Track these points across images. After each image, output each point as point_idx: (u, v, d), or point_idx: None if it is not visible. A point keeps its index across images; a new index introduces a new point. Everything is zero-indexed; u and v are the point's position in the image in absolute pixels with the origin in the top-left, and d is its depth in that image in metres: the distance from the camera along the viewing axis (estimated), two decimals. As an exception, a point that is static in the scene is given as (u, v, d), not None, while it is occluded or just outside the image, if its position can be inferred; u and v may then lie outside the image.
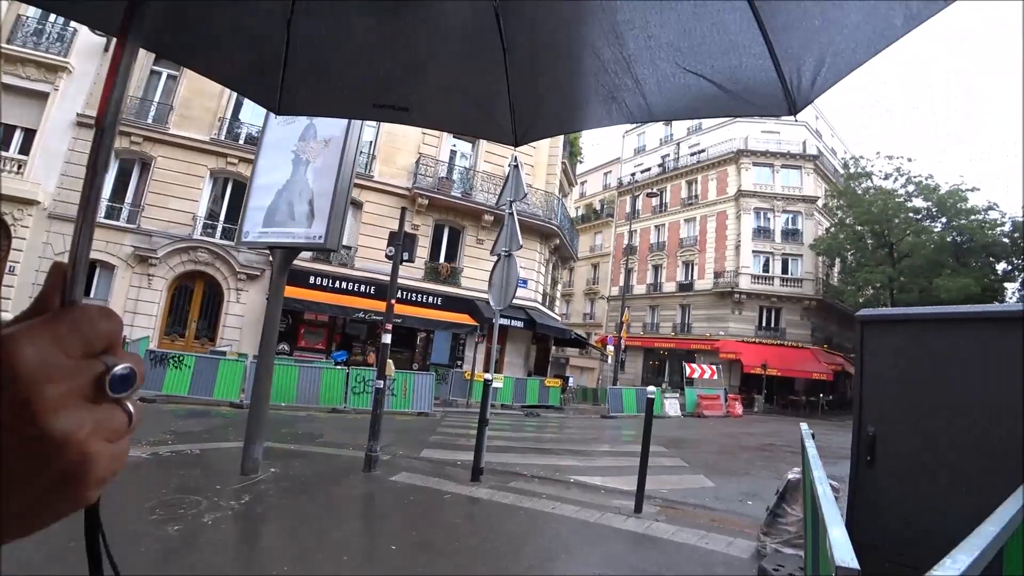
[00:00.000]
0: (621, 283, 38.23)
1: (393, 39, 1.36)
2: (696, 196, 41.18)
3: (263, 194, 6.54)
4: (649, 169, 46.08)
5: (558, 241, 23.68)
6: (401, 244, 7.28)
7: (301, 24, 1.26)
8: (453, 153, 22.03)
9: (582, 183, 51.71)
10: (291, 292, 17.13)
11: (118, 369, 0.38)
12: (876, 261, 33.35)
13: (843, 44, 1.07)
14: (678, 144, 44.92)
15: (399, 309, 18.72)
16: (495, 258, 7.44)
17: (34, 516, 0.37)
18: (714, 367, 23.40)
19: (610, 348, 26.28)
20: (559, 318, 25.62)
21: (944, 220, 32.72)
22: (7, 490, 0.34)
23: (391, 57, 1.40)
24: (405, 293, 19.55)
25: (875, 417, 3.68)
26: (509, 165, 7.82)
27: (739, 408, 22.87)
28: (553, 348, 28.88)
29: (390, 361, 6.87)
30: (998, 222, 32.95)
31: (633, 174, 46.18)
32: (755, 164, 38.08)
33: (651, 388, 6.40)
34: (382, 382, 6.68)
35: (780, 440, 13.33)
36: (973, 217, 32.29)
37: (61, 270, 0.43)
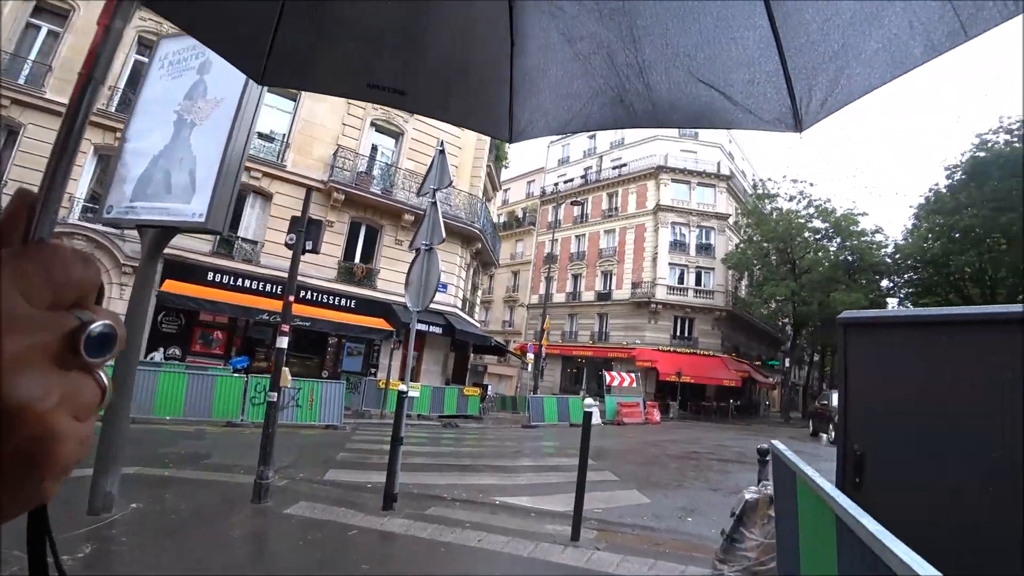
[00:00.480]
0: (541, 291, 38.26)
1: (398, 18, 1.33)
2: (616, 208, 41.98)
3: (135, 161, 5.28)
4: (572, 180, 46.57)
5: (480, 245, 22.95)
6: (304, 231, 6.17)
7: None
8: (375, 148, 20.80)
9: (505, 190, 51.44)
10: (186, 289, 15.29)
11: (96, 326, 0.31)
12: (780, 276, 35.22)
13: (858, 69, 1.09)
14: (601, 157, 45.72)
15: (308, 311, 17.26)
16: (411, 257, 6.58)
17: None
18: (633, 375, 23.50)
19: (530, 356, 25.85)
20: (479, 325, 24.86)
21: (839, 240, 35.16)
22: None
23: (393, 36, 1.37)
24: (315, 294, 18.09)
25: (861, 433, 3.20)
26: (436, 149, 6.98)
27: (657, 415, 23.07)
28: (472, 356, 28.05)
29: (285, 369, 5.73)
30: (883, 244, 35.92)
31: (556, 184, 46.42)
32: (673, 180, 39.36)
33: (588, 401, 5.77)
34: (276, 394, 5.54)
35: (702, 448, 13.25)
36: (863, 239, 34.92)
37: (28, 199, 0.34)
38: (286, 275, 17.24)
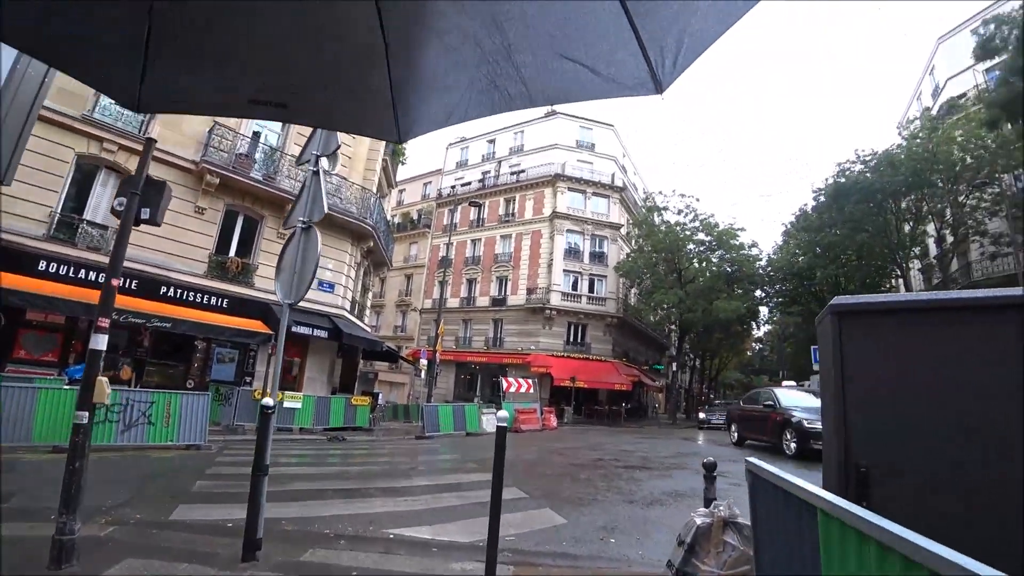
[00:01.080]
0: (435, 295, 37.15)
1: (268, 32, 1.30)
2: (514, 214, 41.90)
3: None
4: (470, 183, 45.95)
5: (372, 244, 21.49)
6: (139, 193, 4.67)
7: (164, 10, 1.16)
8: (258, 132, 18.70)
9: (401, 190, 49.76)
10: (7, 280, 12.54)
11: None
12: (668, 284, 36.83)
13: (697, 25, 1.21)
14: (500, 162, 45.52)
15: (170, 310, 14.96)
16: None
17: None
18: (530, 381, 23.11)
19: (423, 362, 24.66)
20: (369, 329, 23.31)
21: (721, 252, 37.44)
22: None
23: (267, 53, 1.36)
24: (180, 291, 15.80)
25: (865, 444, 2.64)
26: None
27: (554, 421, 22.82)
28: (361, 362, 26.34)
29: (102, 380, 4.26)
30: (758, 257, 38.82)
31: (454, 187, 45.57)
32: (570, 189, 39.98)
33: (502, 414, 4.94)
34: (86, 414, 3.99)
35: (606, 454, 12.95)
36: (742, 252, 37.48)
37: None
38: (146, 268, 15.02)
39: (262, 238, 18.26)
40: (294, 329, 17.13)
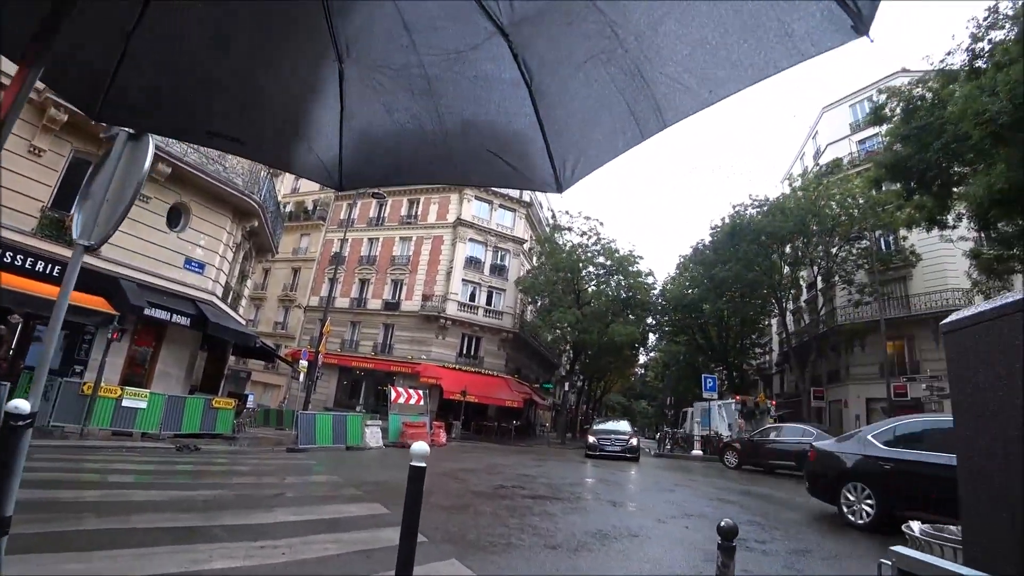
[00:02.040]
0: (324, 293, 34.38)
1: (237, 73, 1.46)
2: (416, 216, 40.12)
3: None
4: (373, 178, 43.43)
5: (257, 224, 18.94)
6: None
7: (142, 39, 1.27)
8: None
9: (297, 178, 46.05)
10: None
11: None
12: (566, 304, 36.76)
13: (593, 151, 1.60)
14: (406, 159, 43.53)
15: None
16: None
17: None
18: (420, 392, 21.43)
19: (303, 363, 22.15)
20: (243, 321, 20.53)
21: (619, 278, 38.05)
22: None
23: (231, 90, 1.51)
24: (-6, 252, 12.59)
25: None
26: None
27: (443, 436, 21.25)
28: (232, 358, 23.26)
29: None
30: (653, 286, 39.97)
31: (354, 179, 42.83)
32: (477, 198, 38.92)
33: (419, 447, 3.57)
34: None
35: (506, 479, 11.67)
36: (639, 279, 38.35)
37: None
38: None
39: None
40: (148, 312, 14.41)
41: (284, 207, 47.10)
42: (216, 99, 1.51)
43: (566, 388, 37.24)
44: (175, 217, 16.42)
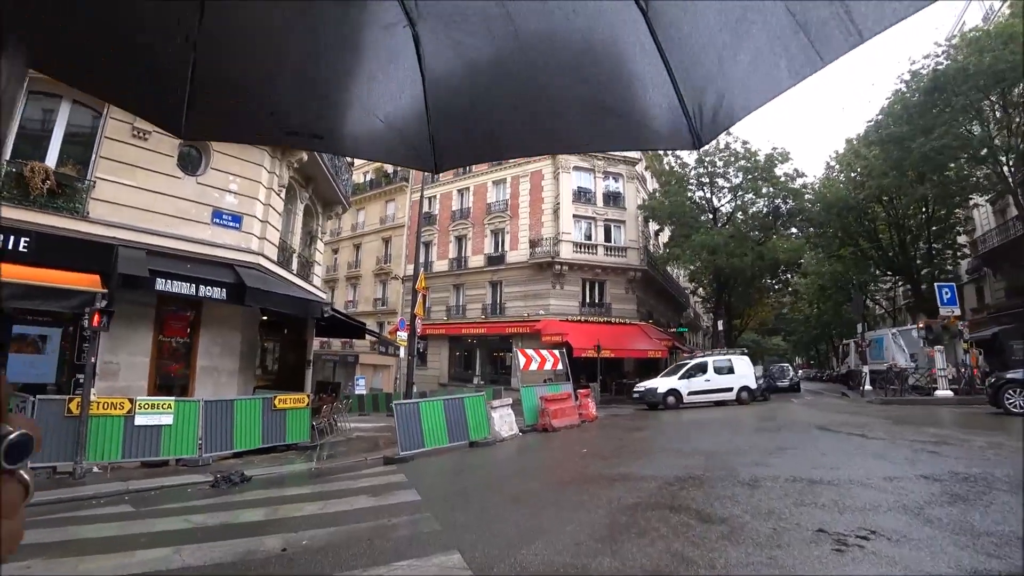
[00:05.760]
0: (415, 255, 29.92)
1: (303, 67, 1.33)
2: (506, 153, 34.40)
3: None
4: (451, 121, 38.19)
5: (306, 157, 14.03)
6: None
7: (206, 45, 1.17)
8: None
9: (369, 139, 41.96)
10: None
11: (12, 437, 0.35)
12: (704, 226, 29.82)
13: (739, 89, 1.16)
14: (484, 92, 37.77)
15: None
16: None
17: None
18: (556, 353, 16.00)
19: (401, 336, 17.37)
20: (316, 289, 15.92)
21: (764, 186, 30.26)
22: None
23: (304, 86, 1.37)
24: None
25: None
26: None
27: (593, 407, 15.75)
28: (326, 341, 19.07)
29: None
30: (805, 189, 31.66)
31: (431, 126, 37.82)
32: (572, 117, 32.43)
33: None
34: None
35: (719, 486, 6.02)
36: (789, 185, 30.35)
37: None
38: None
39: (104, 137, 10.82)
40: (163, 286, 9.91)
41: (366, 176, 43.46)
42: (290, 97, 1.33)
43: (719, 327, 30.36)
44: (189, 157, 11.82)
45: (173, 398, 9.45)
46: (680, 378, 20.98)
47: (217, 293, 10.54)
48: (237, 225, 12.09)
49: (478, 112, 1.44)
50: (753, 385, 21.22)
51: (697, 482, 6.75)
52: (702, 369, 21.16)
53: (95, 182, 10.56)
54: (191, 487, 7.97)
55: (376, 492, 7.06)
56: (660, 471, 7.53)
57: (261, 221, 12.67)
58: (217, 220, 11.84)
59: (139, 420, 8.82)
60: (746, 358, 22.41)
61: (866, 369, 25.00)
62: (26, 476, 0.36)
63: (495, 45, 1.24)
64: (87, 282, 9.09)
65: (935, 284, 20.94)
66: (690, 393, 20.44)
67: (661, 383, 20.57)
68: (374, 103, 1.42)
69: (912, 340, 25.06)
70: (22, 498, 0.36)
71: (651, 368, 30.00)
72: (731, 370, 21.21)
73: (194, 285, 10.29)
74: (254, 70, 1.31)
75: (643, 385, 21.11)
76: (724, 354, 22.90)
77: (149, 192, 11.03)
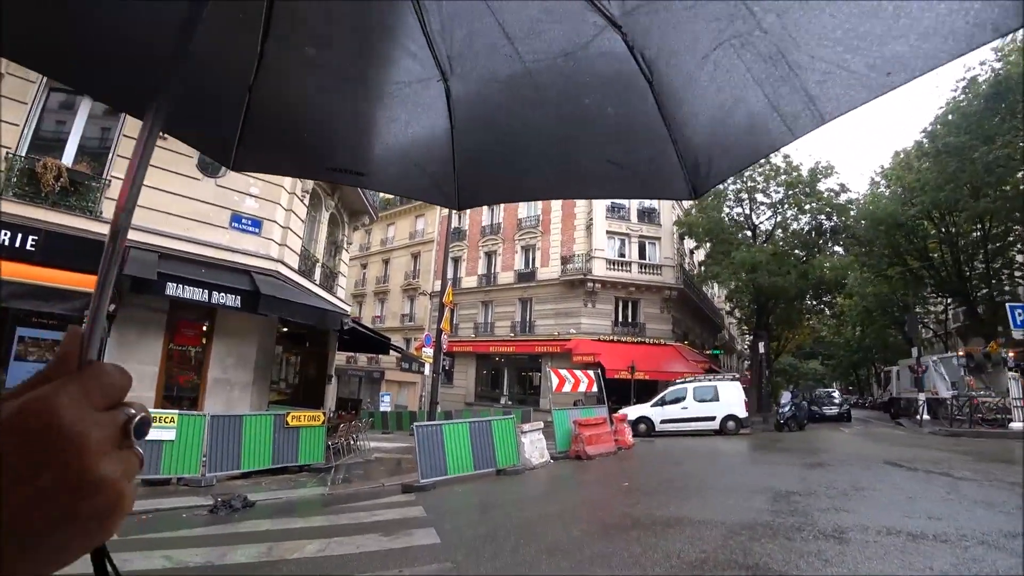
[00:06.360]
0: (450, 275, 29.22)
1: (347, 109, 1.45)
2: (538, 167, 33.74)
3: None
4: (482, 136, 37.80)
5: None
6: None
7: (262, 88, 1.31)
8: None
9: (400, 154, 41.89)
10: None
11: (139, 416, 0.43)
12: (744, 243, 28.44)
13: (728, 154, 1.30)
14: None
15: None
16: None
17: (71, 549, 0.40)
18: (590, 373, 14.92)
19: (426, 352, 16.50)
20: (339, 301, 15.23)
21: (809, 202, 28.77)
22: (56, 527, 0.38)
23: (345, 125, 1.49)
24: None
25: None
26: None
27: (629, 434, 14.56)
28: (337, 353, 18.39)
29: None
30: (850, 204, 30.00)
31: (462, 141, 37.49)
32: (606, 129, 31.64)
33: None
34: None
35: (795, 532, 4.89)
36: (834, 201, 28.81)
37: (78, 334, 0.47)
38: None
39: (123, 136, 10.36)
40: (174, 292, 9.30)
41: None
42: (333, 136, 1.48)
43: (760, 350, 28.69)
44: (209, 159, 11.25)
45: (177, 411, 8.71)
46: (653, 406, 19.64)
47: (231, 300, 9.85)
48: (257, 230, 11.47)
49: (501, 160, 1.59)
50: (742, 414, 19.36)
51: (769, 531, 5.63)
52: (680, 396, 19.64)
53: (110, 181, 10.09)
54: (188, 511, 7.16)
55: (389, 530, 6.11)
56: (720, 514, 6.41)
57: (282, 227, 12.04)
58: (236, 224, 11.23)
59: (139, 435, 8.08)
60: (736, 384, 20.62)
61: (922, 397, 23.27)
62: (140, 451, 0.43)
63: (518, 102, 1.40)
64: (91, 283, 8.46)
65: (1007, 305, 19.12)
66: (663, 421, 19.11)
67: (632, 411, 19.11)
68: (407, 146, 1.54)
69: (953, 368, 23.74)
70: (140, 467, 0.43)
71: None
72: (715, 397, 19.50)
73: (207, 291, 9.63)
74: (303, 112, 1.43)
75: (622, 412, 19.62)
76: (709, 380, 21.17)
77: (166, 193, 10.48)
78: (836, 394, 30.22)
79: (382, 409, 28.69)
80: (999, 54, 21.84)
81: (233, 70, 1.27)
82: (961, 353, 24.05)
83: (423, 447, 9.06)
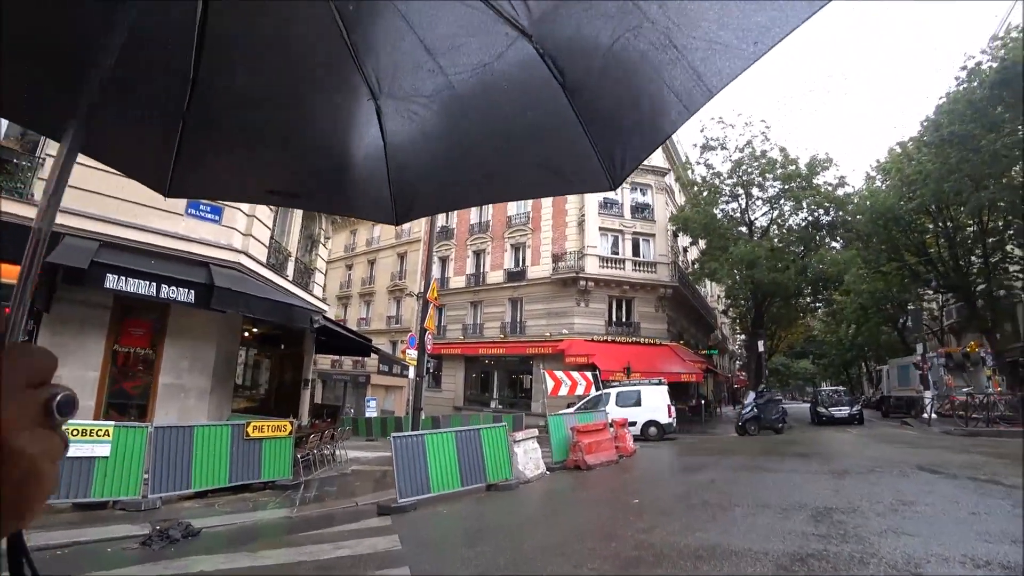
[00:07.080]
0: (435, 274, 27.99)
1: (281, 133, 1.47)
2: (527, 163, 32.63)
3: None
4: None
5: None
6: None
7: (196, 114, 1.29)
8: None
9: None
10: None
11: (62, 395, 0.42)
12: (740, 238, 27.52)
13: (637, 139, 1.40)
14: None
15: None
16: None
17: None
18: (588, 376, 13.80)
19: (410, 355, 15.29)
20: (316, 300, 13.97)
21: (808, 196, 27.91)
22: None
23: (279, 148, 1.51)
24: None
25: None
26: None
27: (630, 440, 13.45)
28: (320, 357, 17.12)
29: None
30: (848, 199, 29.18)
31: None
32: (598, 124, 30.59)
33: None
34: None
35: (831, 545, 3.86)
36: (832, 194, 28.01)
37: (4, 315, 0.48)
38: None
39: (57, 111, 9.03)
40: (115, 284, 8.05)
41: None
42: (269, 160, 1.51)
43: (760, 349, 27.75)
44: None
45: (112, 423, 7.45)
46: (576, 411, 18.53)
47: (184, 295, 8.62)
48: (216, 217, 10.25)
49: (434, 172, 1.63)
50: (664, 419, 18.31)
51: (828, 566, 4.54)
52: (602, 402, 18.14)
53: (45, 160, 8.82)
54: (115, 544, 5.94)
55: (358, 566, 4.93)
56: (759, 542, 5.31)
57: (247, 215, 10.83)
58: (193, 211, 10.01)
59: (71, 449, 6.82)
60: (662, 388, 19.46)
61: (928, 395, 22.51)
62: (65, 434, 0.43)
63: (445, 114, 1.43)
64: (9, 274, 7.23)
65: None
66: None
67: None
68: (342, 165, 1.58)
69: (934, 368, 24.12)
70: (63, 450, 0.43)
71: (683, 392, 27.54)
72: (638, 402, 18.46)
73: (154, 284, 8.40)
74: (238, 139, 1.45)
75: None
76: (633, 385, 20.01)
77: (111, 175, 9.21)
78: (843, 393, 29.26)
79: (368, 415, 27.35)
80: (1000, 42, 21.13)
81: (165, 96, 1.28)
82: (941, 351, 24.01)
83: (402, 461, 7.87)
